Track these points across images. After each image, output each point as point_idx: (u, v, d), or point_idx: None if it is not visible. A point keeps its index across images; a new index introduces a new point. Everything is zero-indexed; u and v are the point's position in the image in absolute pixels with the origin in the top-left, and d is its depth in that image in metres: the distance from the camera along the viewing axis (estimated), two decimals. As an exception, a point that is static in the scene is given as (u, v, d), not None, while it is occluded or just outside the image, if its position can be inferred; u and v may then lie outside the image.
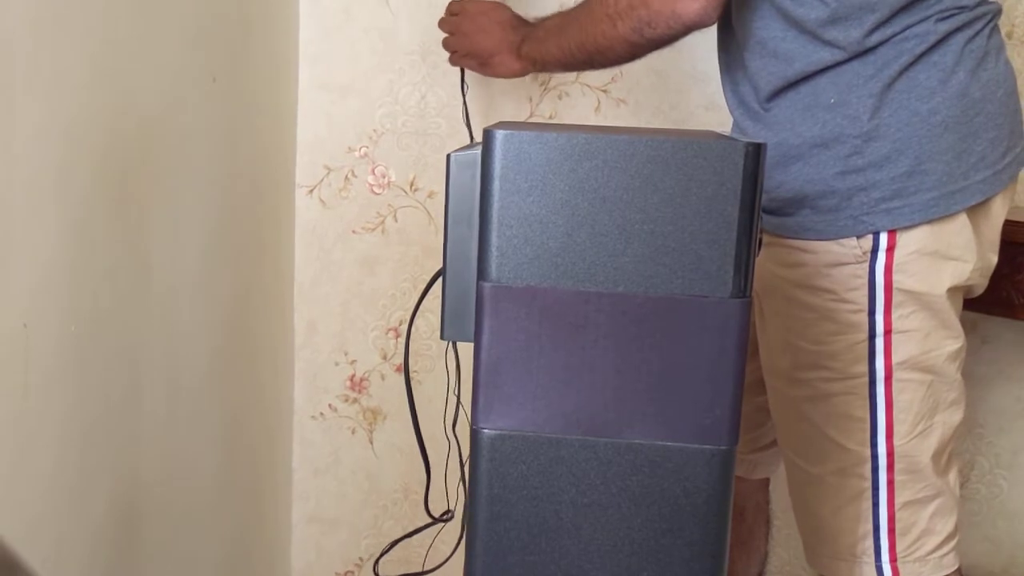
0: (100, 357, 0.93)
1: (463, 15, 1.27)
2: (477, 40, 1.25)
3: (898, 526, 1.03)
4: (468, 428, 0.99)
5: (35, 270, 0.81)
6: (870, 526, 1.04)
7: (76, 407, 0.89)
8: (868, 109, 0.98)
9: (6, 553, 0.34)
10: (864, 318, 1.01)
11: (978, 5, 1.00)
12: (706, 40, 1.38)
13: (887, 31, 0.97)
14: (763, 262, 1.05)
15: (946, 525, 1.05)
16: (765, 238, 1.06)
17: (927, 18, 0.97)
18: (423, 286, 0.90)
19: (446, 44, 1.30)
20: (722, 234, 0.72)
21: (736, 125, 1.11)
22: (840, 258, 1.01)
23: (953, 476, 1.06)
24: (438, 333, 0.84)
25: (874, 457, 1.03)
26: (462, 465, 0.99)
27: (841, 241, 1.01)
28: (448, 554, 1.12)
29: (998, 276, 1.11)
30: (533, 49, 1.18)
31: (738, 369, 0.74)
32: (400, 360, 1.51)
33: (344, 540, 1.57)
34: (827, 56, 0.99)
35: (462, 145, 0.92)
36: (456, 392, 0.98)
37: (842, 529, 1.06)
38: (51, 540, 0.86)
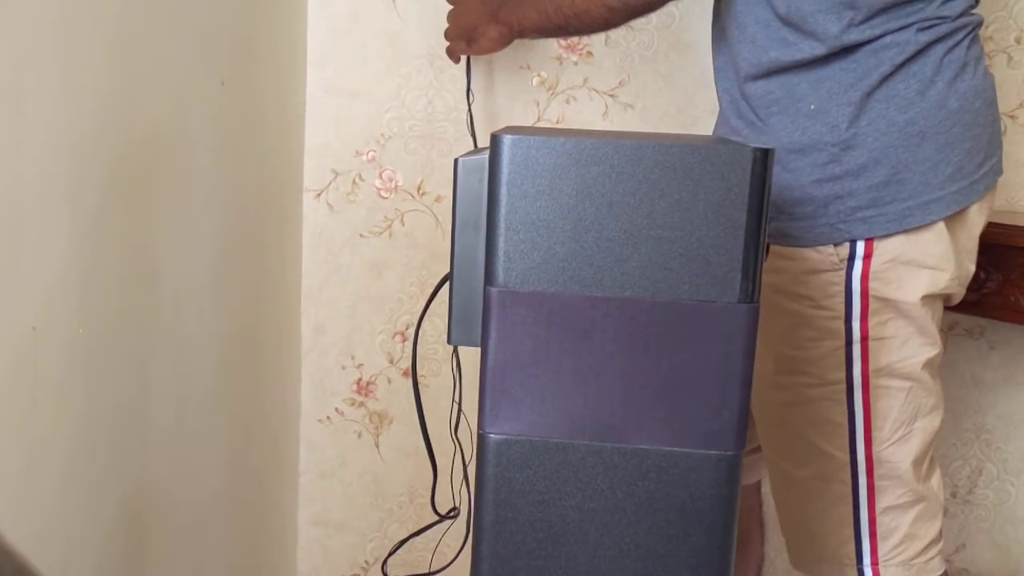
0: (109, 360, 0.93)
1: (453, 1, 1.30)
2: (461, 19, 1.27)
3: (879, 530, 1.04)
4: (470, 431, 1.00)
5: (44, 273, 0.82)
6: (851, 530, 1.05)
7: (85, 410, 0.89)
8: (847, 118, 0.99)
9: (15, 558, 0.34)
10: (841, 325, 1.02)
11: (960, 16, 1.00)
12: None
13: (866, 31, 0.97)
14: None
15: (929, 530, 1.05)
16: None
17: (908, 26, 0.98)
18: (430, 290, 0.91)
19: (445, 33, 1.31)
20: (730, 239, 0.72)
21: (724, 122, 1.10)
22: (817, 265, 1.02)
23: (936, 481, 1.07)
24: (445, 337, 0.84)
25: (853, 463, 1.04)
26: (465, 466, 1.00)
27: (818, 248, 1.02)
28: (453, 555, 1.12)
29: (1006, 281, 1.10)
30: (511, 13, 1.19)
31: (745, 374, 0.73)
32: (407, 364, 1.51)
33: (350, 543, 1.57)
34: (805, 48, 0.99)
35: (469, 150, 0.92)
36: (456, 398, 0.99)
37: (824, 532, 1.06)
38: (60, 543, 0.86)
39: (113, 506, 0.96)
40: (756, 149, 0.72)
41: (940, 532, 1.06)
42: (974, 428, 1.50)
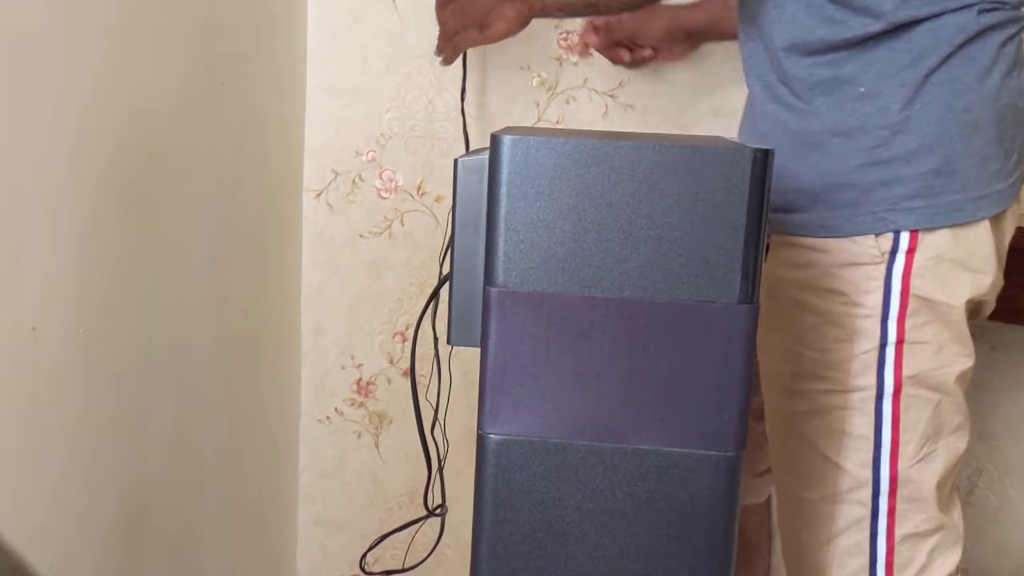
0: (108, 360, 0.93)
1: None
2: (468, 7, 1.13)
3: (896, 560, 0.96)
4: (443, 430, 1.00)
5: (44, 273, 0.82)
6: (866, 559, 0.96)
7: (84, 410, 0.89)
8: (900, 99, 0.92)
9: (13, 558, 0.34)
10: (876, 325, 0.95)
11: (1017, 6, 0.95)
12: (713, 46, 1.38)
13: (923, 8, 0.91)
14: (768, 265, 1.00)
15: (946, 563, 0.97)
16: (773, 239, 1.01)
17: (969, 7, 0.92)
18: (430, 290, 0.91)
19: (442, 29, 1.16)
20: (729, 240, 0.72)
21: (757, 107, 1.03)
22: (855, 258, 0.95)
23: (957, 511, 0.99)
24: (444, 338, 0.84)
25: (875, 481, 0.96)
26: (440, 462, 1.00)
27: (857, 239, 0.95)
28: (430, 549, 1.13)
29: (1010, 283, 1.09)
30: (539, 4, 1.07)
31: (745, 375, 0.73)
32: (406, 364, 1.50)
33: (349, 543, 1.57)
34: (856, 26, 0.92)
35: (470, 149, 0.92)
36: (435, 397, 0.99)
37: (833, 563, 0.98)
38: (59, 543, 0.86)
39: (112, 506, 0.96)
40: (756, 149, 0.71)
41: (957, 568, 0.98)
42: (976, 431, 1.49)
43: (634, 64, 1.32)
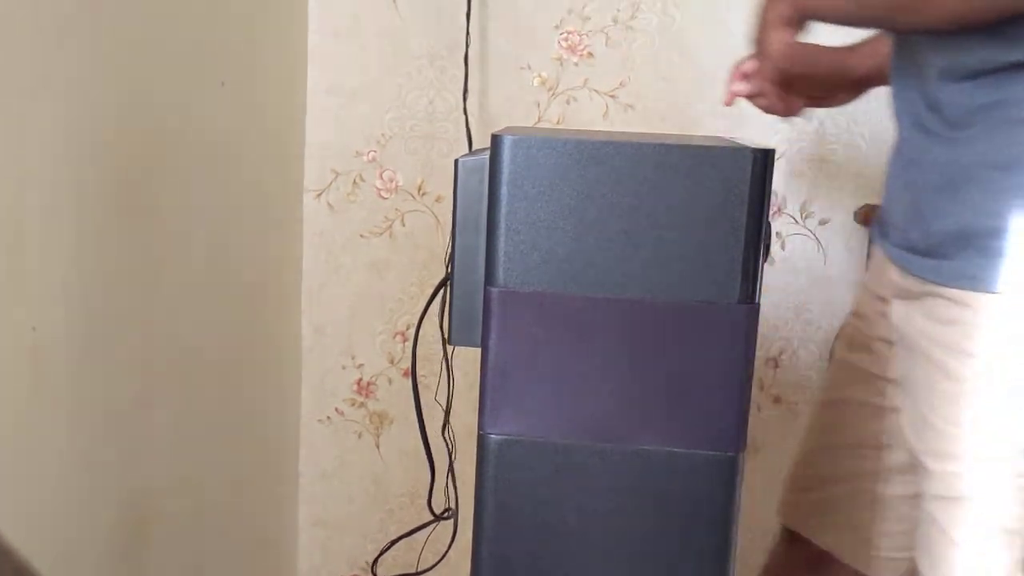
0: (109, 360, 0.93)
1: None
2: (760, 39, 0.91)
3: None
4: (452, 432, 1.00)
5: (45, 273, 0.82)
6: None
7: (85, 410, 0.89)
8: None
9: (13, 557, 0.34)
10: None
11: None
12: (714, 46, 1.38)
13: None
14: (910, 315, 0.89)
15: None
16: (916, 286, 0.88)
17: None
18: (431, 290, 0.91)
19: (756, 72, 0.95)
20: (730, 240, 0.72)
21: (902, 136, 0.92)
22: (1011, 319, 0.81)
23: None
24: (445, 338, 0.84)
25: None
26: (451, 466, 1.00)
27: (1016, 297, 0.80)
28: (442, 552, 1.12)
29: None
30: (809, 3, 0.87)
31: (745, 375, 0.73)
32: (407, 364, 1.51)
33: (350, 544, 1.57)
34: None
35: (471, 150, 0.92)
36: (446, 397, 0.99)
37: None
38: (60, 542, 0.86)
39: (113, 505, 0.96)
40: (756, 150, 0.72)
41: None
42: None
43: (787, 115, 1.07)
